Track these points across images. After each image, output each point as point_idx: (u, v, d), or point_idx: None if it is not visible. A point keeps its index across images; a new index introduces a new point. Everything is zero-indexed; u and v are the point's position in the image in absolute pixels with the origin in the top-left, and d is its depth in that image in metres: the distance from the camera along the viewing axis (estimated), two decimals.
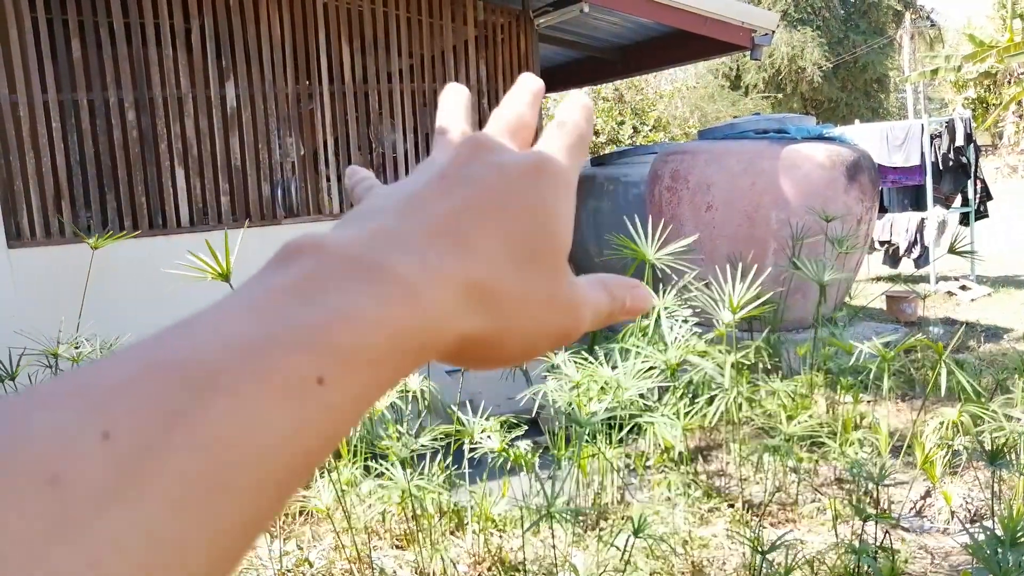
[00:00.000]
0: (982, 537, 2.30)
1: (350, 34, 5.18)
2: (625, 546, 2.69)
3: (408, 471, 2.75)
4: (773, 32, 6.25)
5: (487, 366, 0.30)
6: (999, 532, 2.28)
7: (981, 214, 8.25)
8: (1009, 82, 24.01)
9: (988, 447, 2.68)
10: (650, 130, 18.86)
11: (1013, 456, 2.88)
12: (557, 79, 9.13)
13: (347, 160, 5.27)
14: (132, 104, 4.63)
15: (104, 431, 0.18)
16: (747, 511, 3.27)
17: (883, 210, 7.97)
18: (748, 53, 6.34)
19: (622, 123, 18.74)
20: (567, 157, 0.32)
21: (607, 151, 15.22)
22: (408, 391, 3.07)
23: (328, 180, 5.21)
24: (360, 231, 0.26)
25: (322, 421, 0.22)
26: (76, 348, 3.10)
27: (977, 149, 8.12)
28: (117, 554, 0.17)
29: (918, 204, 8.07)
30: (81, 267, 3.56)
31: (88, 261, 3.57)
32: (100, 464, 0.18)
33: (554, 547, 2.87)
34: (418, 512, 2.90)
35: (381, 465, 2.81)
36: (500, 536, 3.12)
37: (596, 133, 18.58)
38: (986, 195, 8.41)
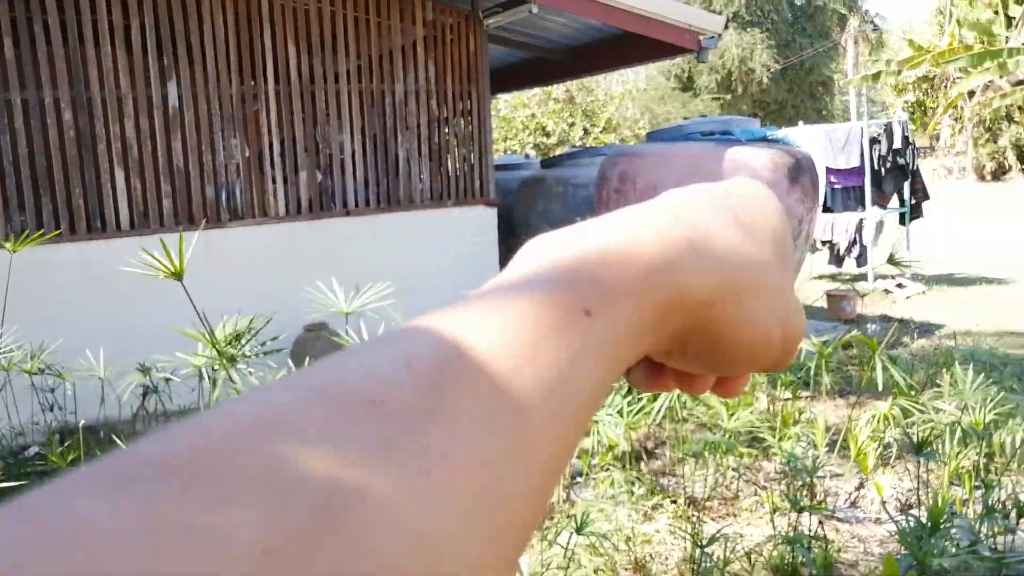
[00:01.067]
0: (910, 525, 2.39)
1: (296, 34, 5.13)
2: (568, 544, 2.72)
3: None
4: (719, 36, 6.36)
5: (714, 356, 0.29)
6: (924, 520, 2.37)
7: (916, 214, 8.51)
8: (946, 86, 24.77)
9: (915, 439, 2.78)
10: (600, 131, 19.02)
11: (940, 446, 2.99)
12: (507, 80, 9.14)
13: (293, 162, 5.22)
14: (69, 104, 4.52)
15: (407, 362, 0.20)
16: (689, 507, 3.33)
17: (827, 210, 8.17)
18: (695, 55, 6.44)
19: (572, 124, 18.86)
20: None
21: (558, 152, 15.31)
22: None
23: (274, 182, 5.15)
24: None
25: (593, 354, 0.23)
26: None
27: (915, 152, 8.37)
28: (445, 465, 0.18)
29: (859, 204, 8.30)
30: (18, 270, 3.47)
31: (28, 264, 3.49)
32: (411, 389, 0.19)
33: None
34: None
35: None
36: None
37: (547, 134, 18.67)
38: (924, 196, 8.67)
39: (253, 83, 5.07)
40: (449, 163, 5.85)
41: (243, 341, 2.16)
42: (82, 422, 3.00)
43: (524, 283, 0.24)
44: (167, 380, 3.21)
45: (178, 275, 2.12)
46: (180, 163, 4.85)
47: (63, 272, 4.38)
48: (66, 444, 3.10)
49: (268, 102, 5.08)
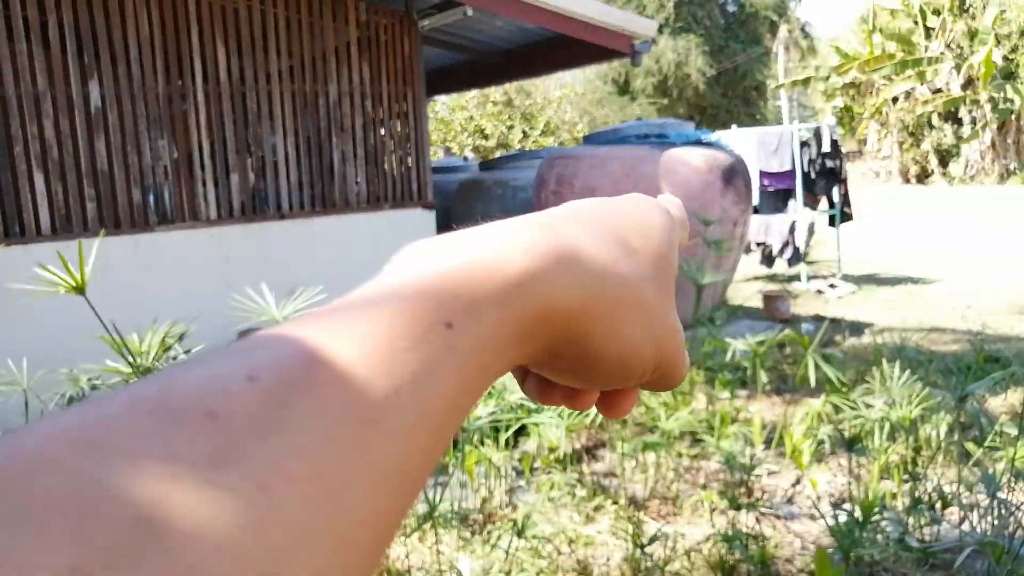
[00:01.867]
0: (843, 519, 2.44)
1: (225, 33, 5.00)
2: (509, 548, 2.70)
3: None
4: (653, 40, 6.45)
5: (585, 370, 0.30)
6: (856, 514, 2.42)
7: (845, 216, 8.77)
8: (871, 92, 25.66)
9: (846, 435, 2.85)
10: (540, 135, 19.10)
11: (870, 441, 3.07)
12: (444, 82, 9.10)
13: (224, 164, 5.08)
14: None
15: (249, 375, 0.19)
16: (630, 507, 3.35)
17: (755, 211, 8.35)
18: (629, 59, 6.52)
19: (511, 127, 18.90)
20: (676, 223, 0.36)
21: (496, 155, 15.31)
22: None
23: (204, 184, 5.00)
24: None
25: (454, 366, 0.23)
26: None
27: (842, 156, 8.62)
28: (283, 479, 0.18)
29: (788, 206, 8.51)
30: None
31: None
32: (251, 400, 0.19)
33: (439, 552, 2.85)
34: None
35: None
36: None
37: (485, 137, 18.67)
38: (846, 200, 8.94)
39: (181, 83, 4.92)
40: (386, 165, 5.78)
41: (164, 352, 2.08)
42: (1, 434, 2.84)
43: (388, 292, 0.23)
44: (95, 388, 3.08)
45: (80, 289, 1.99)
46: (104, 165, 4.67)
47: None
48: None
49: (197, 103, 4.93)
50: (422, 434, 0.22)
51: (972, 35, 23.71)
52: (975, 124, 24.14)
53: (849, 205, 8.69)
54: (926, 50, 24.44)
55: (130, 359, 2.18)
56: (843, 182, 8.53)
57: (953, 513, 2.96)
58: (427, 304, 0.23)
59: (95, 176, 4.66)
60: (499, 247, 0.26)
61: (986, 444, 3.02)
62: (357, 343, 0.21)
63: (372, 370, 0.21)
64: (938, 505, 2.85)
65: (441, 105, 19.35)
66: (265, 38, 5.14)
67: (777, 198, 8.56)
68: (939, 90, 24.44)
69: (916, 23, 24.95)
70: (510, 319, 0.25)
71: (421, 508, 3.01)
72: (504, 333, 0.25)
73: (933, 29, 24.65)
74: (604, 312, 0.28)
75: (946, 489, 2.92)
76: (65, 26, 4.47)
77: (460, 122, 18.97)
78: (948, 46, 24.23)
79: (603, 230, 0.30)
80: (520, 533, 2.55)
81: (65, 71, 4.50)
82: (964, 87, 23.92)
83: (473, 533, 3.17)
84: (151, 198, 4.86)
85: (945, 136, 25.12)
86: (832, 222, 8.71)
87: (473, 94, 18.74)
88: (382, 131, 5.75)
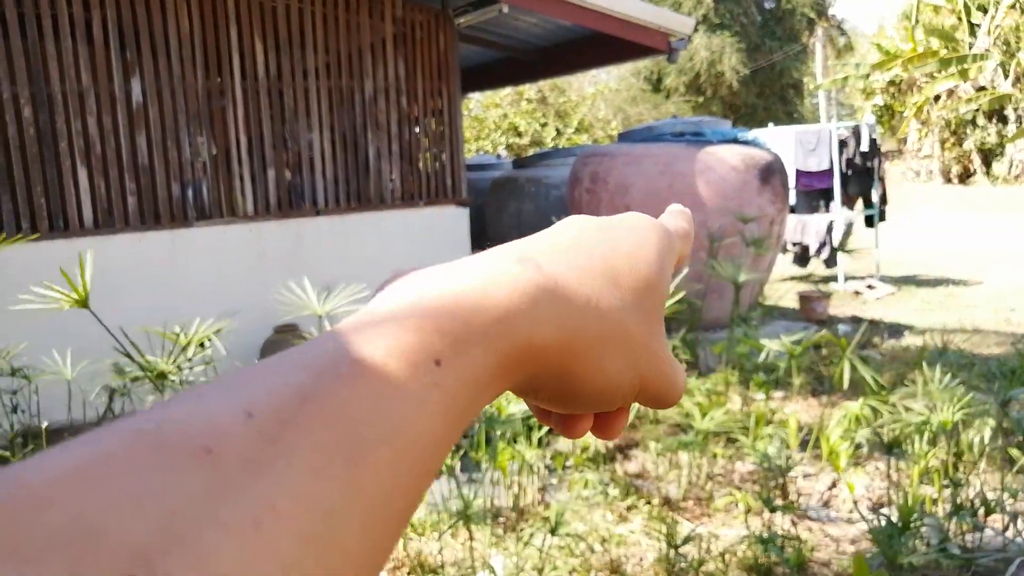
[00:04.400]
0: (881, 524, 2.39)
1: (263, 29, 5.05)
2: (542, 545, 2.69)
3: None
4: (689, 37, 6.39)
5: (565, 399, 0.30)
6: (895, 518, 2.38)
7: (881, 217, 8.60)
8: (912, 90, 25.16)
9: (885, 438, 2.79)
10: (573, 132, 19.04)
11: (910, 445, 3.01)
12: (479, 79, 9.11)
13: (261, 159, 5.14)
14: (28, 100, 4.40)
15: (247, 411, 0.20)
16: (664, 507, 3.32)
17: (792, 211, 8.24)
18: (666, 56, 6.46)
19: (545, 125, 18.86)
20: (676, 240, 0.36)
21: (530, 153, 15.30)
22: None
23: (241, 180, 5.06)
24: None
25: (439, 401, 0.24)
26: None
27: (880, 155, 8.47)
28: (275, 515, 0.18)
29: (826, 206, 8.38)
30: None
31: None
32: (247, 437, 0.19)
33: (472, 549, 2.86)
34: None
35: None
36: (419, 540, 3.09)
37: (519, 134, 18.65)
38: (883, 200, 8.78)
39: (219, 79, 4.98)
40: (420, 162, 5.80)
41: (200, 347, 2.10)
42: (46, 424, 2.92)
43: (379, 328, 0.24)
44: (135, 379, 3.13)
45: (82, 302, 1.99)
46: (145, 160, 4.75)
47: (25, 275, 4.26)
48: (28, 448, 3.01)
49: (235, 99, 4.99)
50: (408, 469, 0.22)
51: (1019, 29, 23.12)
52: (1021, 123, 23.56)
53: (885, 204, 8.53)
54: (970, 47, 23.91)
55: (146, 364, 2.19)
56: (881, 181, 8.37)
57: (996, 520, 2.89)
58: (415, 342, 0.24)
59: (136, 171, 4.74)
60: (484, 283, 0.27)
61: None
62: (348, 379, 0.22)
63: (361, 406, 0.22)
64: (980, 512, 2.78)
65: (475, 103, 19.39)
66: (302, 35, 5.19)
67: (815, 197, 8.44)
68: (983, 88, 23.89)
69: (960, 19, 24.43)
70: (492, 356, 0.26)
71: (455, 505, 3.02)
72: (487, 369, 0.25)
73: (978, 25, 24.11)
74: (584, 348, 0.29)
75: (989, 495, 2.85)
76: (108, 22, 4.55)
77: (494, 119, 18.98)
78: (995, 42, 23.66)
79: (588, 264, 0.30)
80: (553, 531, 2.54)
81: (108, 67, 4.59)
82: (1013, 83, 23.33)
83: (506, 530, 3.17)
84: (190, 193, 4.94)
85: (989, 135, 24.56)
86: (870, 222, 8.56)
87: (507, 91, 18.73)
88: (417, 128, 5.77)
